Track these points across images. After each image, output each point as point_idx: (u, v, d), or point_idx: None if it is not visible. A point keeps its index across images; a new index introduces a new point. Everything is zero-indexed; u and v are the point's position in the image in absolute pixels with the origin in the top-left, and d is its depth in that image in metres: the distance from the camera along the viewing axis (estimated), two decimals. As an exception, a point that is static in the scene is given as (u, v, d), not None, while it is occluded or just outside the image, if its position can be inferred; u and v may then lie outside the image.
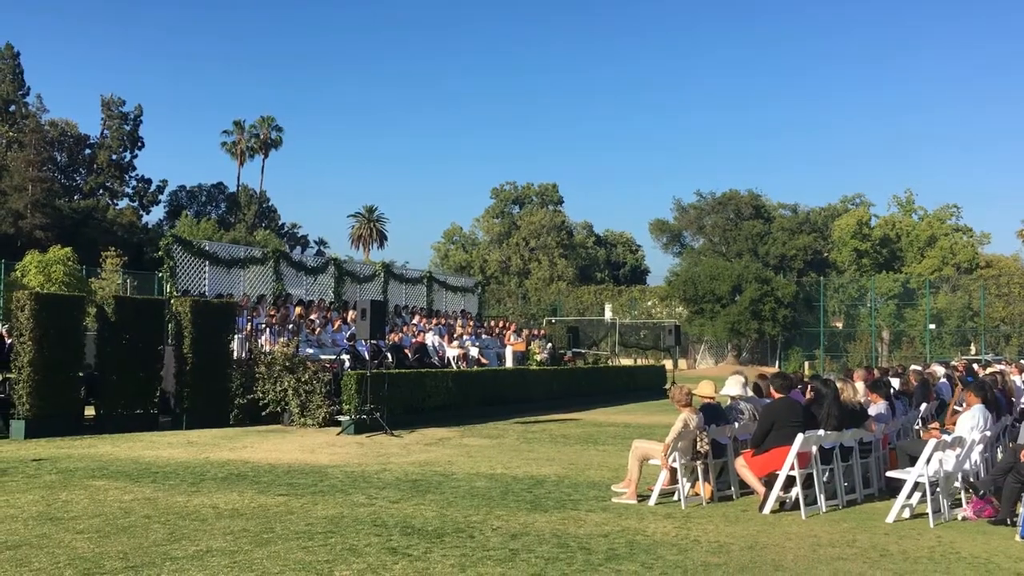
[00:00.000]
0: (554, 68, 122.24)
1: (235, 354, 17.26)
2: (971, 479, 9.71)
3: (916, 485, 8.92)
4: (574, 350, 30.46)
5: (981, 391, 10.19)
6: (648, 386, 29.93)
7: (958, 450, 9.36)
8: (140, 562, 6.56)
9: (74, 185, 65.13)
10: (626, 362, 39.23)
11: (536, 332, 30.08)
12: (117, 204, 65.27)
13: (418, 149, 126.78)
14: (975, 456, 9.83)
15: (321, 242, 79.34)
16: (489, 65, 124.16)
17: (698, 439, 9.46)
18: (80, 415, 15.22)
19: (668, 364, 35.71)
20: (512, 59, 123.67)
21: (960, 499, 9.63)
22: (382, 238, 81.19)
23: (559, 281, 62.72)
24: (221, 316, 16.83)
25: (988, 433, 10.06)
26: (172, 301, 17.32)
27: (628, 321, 55.51)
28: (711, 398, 10.30)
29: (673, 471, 9.53)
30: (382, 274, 27.60)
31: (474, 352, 23.29)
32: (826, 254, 59.53)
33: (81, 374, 15.24)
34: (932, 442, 8.97)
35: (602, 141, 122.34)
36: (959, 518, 9.05)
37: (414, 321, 24.39)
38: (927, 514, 8.75)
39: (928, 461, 8.84)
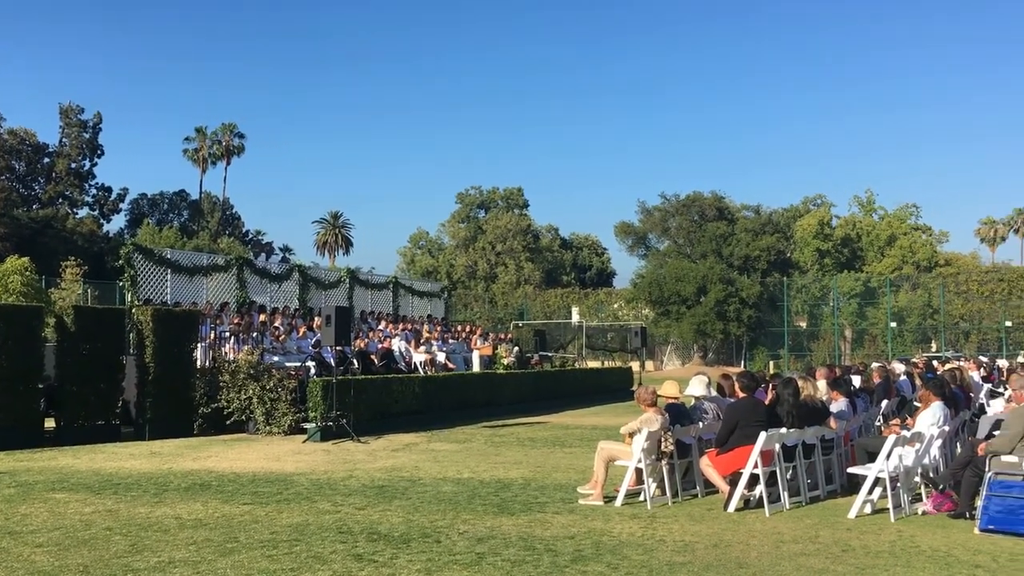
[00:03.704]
0: (517, 73, 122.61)
1: (198, 363, 17.09)
2: (930, 474, 9.86)
3: (877, 481, 9.04)
4: (541, 353, 30.50)
5: (939, 388, 10.36)
6: (615, 388, 30.07)
7: (917, 445, 9.50)
8: (101, 575, 6.47)
9: (32, 194, 64.17)
10: (593, 364, 39.39)
11: (503, 336, 30.09)
12: (77, 213, 64.35)
13: (383, 155, 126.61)
14: (934, 451, 9.99)
15: (286, 249, 78.77)
16: (452, 70, 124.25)
17: (663, 439, 9.52)
18: (39, 427, 14.93)
19: (635, 366, 35.88)
20: (475, 64, 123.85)
21: (920, 494, 9.78)
22: (348, 244, 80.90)
23: (526, 285, 62.79)
24: (183, 325, 16.65)
25: (947, 428, 10.23)
26: (133, 310, 17.11)
27: (595, 324, 55.68)
28: (675, 398, 10.37)
29: (639, 471, 9.58)
30: (347, 280, 27.47)
31: (441, 357, 23.24)
32: (789, 254, 60.16)
33: (40, 385, 14.97)
34: (892, 438, 9.10)
35: (566, 145, 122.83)
36: (919, 512, 9.19)
37: (380, 327, 24.29)
38: (888, 509, 8.89)
39: (888, 457, 8.97)
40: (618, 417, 20.93)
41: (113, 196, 68.12)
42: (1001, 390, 15.80)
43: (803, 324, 53.61)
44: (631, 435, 9.61)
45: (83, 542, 7.54)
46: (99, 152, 66.27)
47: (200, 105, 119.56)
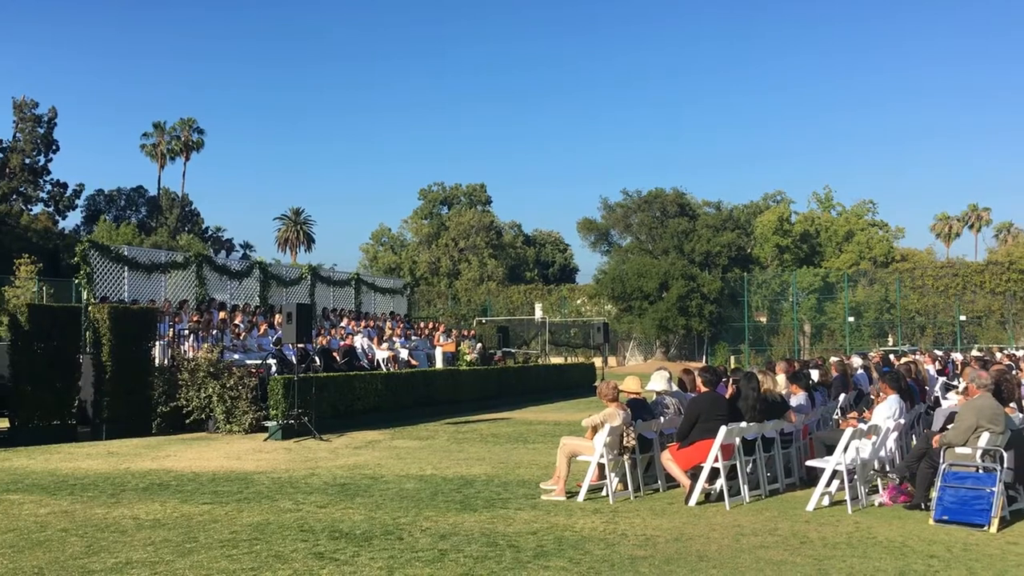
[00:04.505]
0: (480, 70, 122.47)
1: (157, 361, 16.87)
2: (887, 466, 10.02)
3: (834, 473, 9.17)
4: (504, 350, 30.51)
5: (895, 382, 10.53)
6: (578, 384, 30.15)
7: (874, 438, 9.65)
8: (56, 577, 6.37)
9: (-15, 190, 62.78)
10: (556, 360, 39.49)
11: (466, 332, 30.06)
12: (31, 210, 63.17)
13: (345, 150, 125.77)
14: (890, 443, 10.15)
15: (247, 246, 78.00)
16: (414, 67, 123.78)
17: (625, 434, 9.57)
18: (-7, 428, 14.70)
19: (598, 362, 36.00)
20: (436, 61, 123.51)
21: (877, 486, 9.93)
22: (309, 241, 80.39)
23: (489, 281, 62.76)
24: (141, 322, 16.43)
25: (902, 421, 10.40)
26: (90, 308, 16.84)
27: (558, 320, 55.86)
28: (637, 393, 10.42)
29: (601, 466, 9.62)
30: (309, 277, 27.26)
31: (404, 354, 23.16)
32: (749, 250, 60.76)
33: (-7, 386, 14.71)
34: (849, 431, 9.23)
35: (529, 141, 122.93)
36: (876, 504, 9.33)
37: (342, 324, 24.14)
38: (845, 501, 9.01)
39: (845, 449, 9.10)
40: (581, 413, 20.97)
41: (69, 192, 66.94)
42: (955, 383, 16.10)
43: (763, 319, 54.20)
44: (594, 428, 9.65)
45: (38, 544, 7.41)
46: (54, 147, 65.03)
47: (158, 101, 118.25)
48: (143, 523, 8.26)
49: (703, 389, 10.05)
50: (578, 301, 59.16)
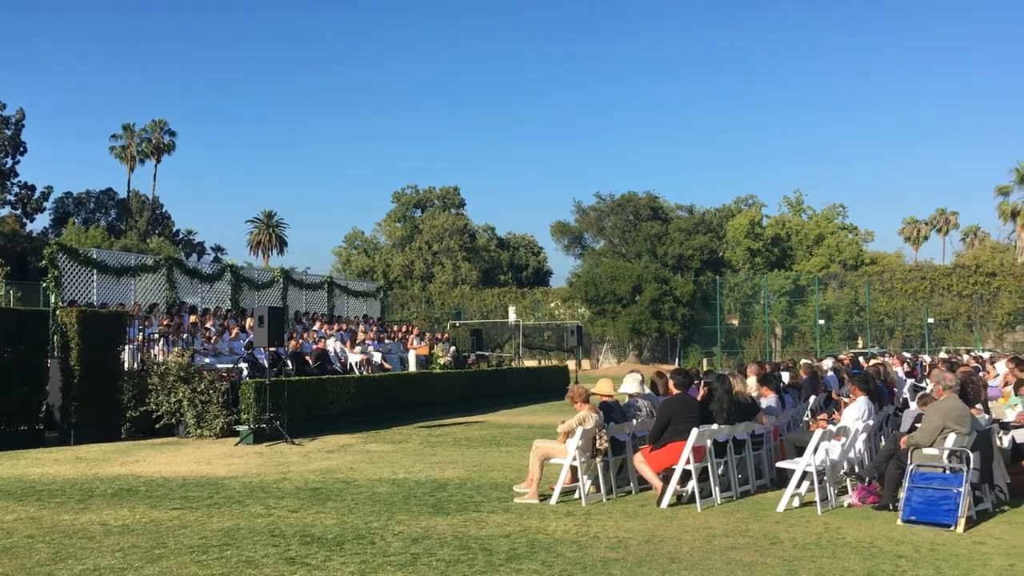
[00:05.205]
0: (453, 72, 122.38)
1: (126, 365, 16.70)
2: (856, 467, 10.13)
3: (804, 474, 9.25)
4: (478, 353, 30.50)
5: (864, 383, 10.64)
6: (552, 387, 30.20)
7: (843, 439, 9.75)
8: (22, 584, 6.28)
9: (-50, 193, 61.83)
10: (530, 364, 39.52)
11: (440, 336, 30.01)
12: (-2, 212, 62.31)
13: (318, 154, 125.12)
14: (859, 445, 10.26)
15: (218, 249, 77.30)
16: (388, 70, 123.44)
17: (597, 437, 9.60)
18: (-42, 434, 14.45)
19: (571, 364, 36.07)
20: (408, 65, 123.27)
21: (846, 487, 10.04)
22: (282, 244, 79.74)
23: (463, 284, 62.67)
24: (110, 326, 16.25)
25: (871, 422, 10.52)
26: (58, 312, 16.63)
27: (531, 323, 55.89)
28: (609, 396, 10.45)
29: (573, 469, 9.65)
30: (281, 280, 27.10)
31: (377, 357, 23.08)
32: (721, 253, 61.08)
33: (-41, 390, 14.47)
34: (818, 432, 9.32)
35: (502, 145, 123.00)
36: (845, 505, 9.43)
37: (315, 327, 24.02)
38: (815, 502, 9.09)
39: (815, 451, 9.18)
40: (554, 416, 21.05)
41: (37, 195, 66.00)
42: (924, 385, 16.30)
43: (735, 322, 54.53)
44: (567, 435, 9.66)
45: (4, 551, 7.30)
46: (22, 149, 64.16)
47: (129, 103, 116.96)
48: (111, 529, 8.17)
49: (675, 391, 10.10)
50: (552, 304, 59.20)
